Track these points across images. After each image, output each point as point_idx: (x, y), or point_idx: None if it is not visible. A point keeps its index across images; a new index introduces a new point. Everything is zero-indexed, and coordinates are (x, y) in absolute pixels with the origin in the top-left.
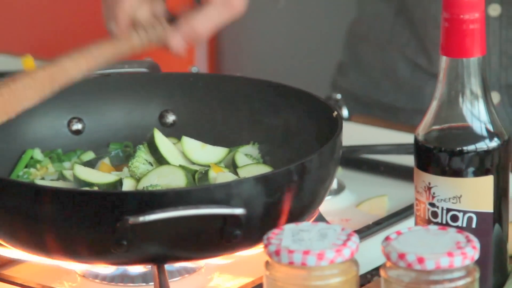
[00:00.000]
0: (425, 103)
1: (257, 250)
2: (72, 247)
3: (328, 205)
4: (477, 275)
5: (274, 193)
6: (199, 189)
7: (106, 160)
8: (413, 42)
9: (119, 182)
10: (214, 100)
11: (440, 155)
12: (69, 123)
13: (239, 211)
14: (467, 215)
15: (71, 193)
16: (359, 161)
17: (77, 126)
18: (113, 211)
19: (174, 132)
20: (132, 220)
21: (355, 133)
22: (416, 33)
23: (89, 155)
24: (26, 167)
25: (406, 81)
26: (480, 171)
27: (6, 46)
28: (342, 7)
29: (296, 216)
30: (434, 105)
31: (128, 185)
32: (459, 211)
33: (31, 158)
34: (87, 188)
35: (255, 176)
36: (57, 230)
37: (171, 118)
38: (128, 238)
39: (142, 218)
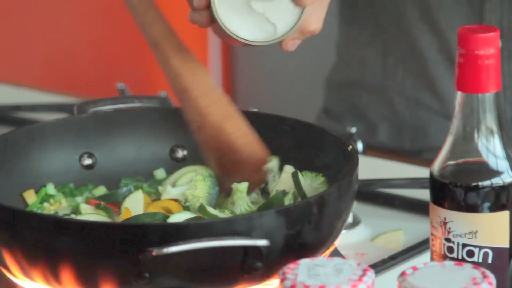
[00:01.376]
0: (431, 142)
1: (273, 285)
2: (93, 280)
3: (343, 239)
4: None
5: (295, 226)
6: (220, 221)
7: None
8: (410, 80)
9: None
10: None
11: (455, 190)
12: (81, 158)
13: (262, 242)
14: (483, 250)
15: (93, 225)
16: (374, 194)
17: (89, 161)
18: (135, 243)
19: (185, 166)
20: (156, 252)
21: (369, 167)
22: (413, 71)
23: (101, 190)
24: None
25: (408, 121)
26: (496, 207)
27: (20, 78)
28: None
29: (313, 249)
30: (449, 140)
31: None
32: (475, 246)
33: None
34: (108, 220)
35: (276, 208)
36: (78, 263)
37: (181, 152)
38: (150, 270)
39: (166, 250)
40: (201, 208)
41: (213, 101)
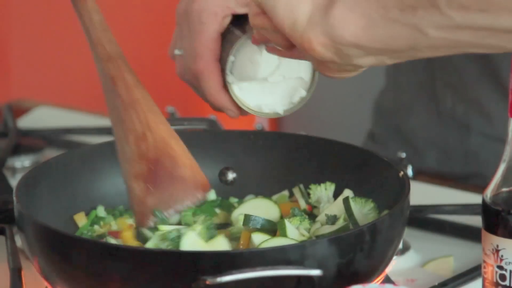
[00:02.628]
0: (481, 167)
1: None
2: None
3: (393, 265)
4: None
5: (347, 254)
6: (273, 250)
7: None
8: (460, 105)
9: None
10: (275, 158)
11: (508, 218)
12: None
13: (316, 272)
14: None
15: (146, 252)
16: (424, 220)
17: None
18: (188, 270)
19: (234, 189)
20: (209, 280)
21: (419, 193)
22: (462, 95)
23: None
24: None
25: (457, 146)
26: None
27: (71, 101)
28: None
29: (365, 277)
30: (502, 167)
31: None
32: None
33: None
34: (161, 247)
35: (329, 237)
36: None
37: (231, 175)
38: None
39: (220, 279)
40: (281, 225)
41: (161, 120)
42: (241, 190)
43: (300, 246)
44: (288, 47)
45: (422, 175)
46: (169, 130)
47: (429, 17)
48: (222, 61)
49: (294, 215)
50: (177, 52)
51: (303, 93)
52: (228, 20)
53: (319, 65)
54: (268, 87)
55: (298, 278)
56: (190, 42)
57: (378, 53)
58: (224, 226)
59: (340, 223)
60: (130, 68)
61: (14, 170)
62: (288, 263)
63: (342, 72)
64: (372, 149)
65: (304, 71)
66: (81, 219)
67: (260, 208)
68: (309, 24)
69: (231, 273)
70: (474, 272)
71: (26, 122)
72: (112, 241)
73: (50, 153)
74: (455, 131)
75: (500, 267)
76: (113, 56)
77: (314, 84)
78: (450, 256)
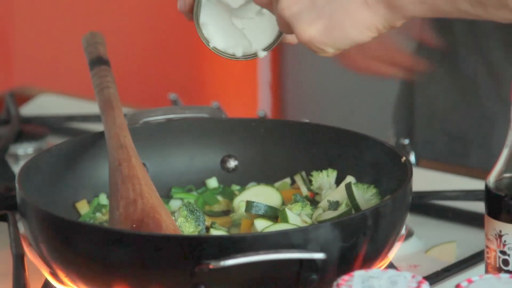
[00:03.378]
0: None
1: None
2: None
3: (396, 251)
4: None
5: (350, 238)
6: (276, 234)
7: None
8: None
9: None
10: (277, 145)
11: (511, 203)
12: None
13: (319, 255)
14: None
15: (150, 237)
16: (427, 206)
17: None
18: (192, 255)
19: (236, 176)
20: (213, 264)
21: (422, 179)
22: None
23: None
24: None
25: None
26: None
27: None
28: None
29: (368, 261)
30: (505, 153)
31: None
32: None
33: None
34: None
35: (332, 221)
36: (132, 274)
37: (233, 163)
38: (206, 282)
39: (223, 263)
40: (282, 214)
41: (155, 194)
42: (243, 178)
43: (303, 230)
44: None
45: (426, 161)
46: (161, 202)
47: (500, 14)
48: None
49: (296, 201)
50: None
51: (255, 49)
52: None
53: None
54: (230, 28)
55: (301, 261)
56: None
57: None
58: (225, 213)
59: (342, 208)
60: (137, 154)
61: (16, 157)
62: (291, 247)
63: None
64: (391, 136)
65: (268, 32)
66: (83, 207)
67: (262, 195)
68: (388, 20)
69: (234, 257)
70: (477, 257)
71: (29, 109)
72: None
73: (53, 140)
74: (475, 98)
75: (503, 252)
76: (124, 145)
77: (271, 47)
78: (453, 242)
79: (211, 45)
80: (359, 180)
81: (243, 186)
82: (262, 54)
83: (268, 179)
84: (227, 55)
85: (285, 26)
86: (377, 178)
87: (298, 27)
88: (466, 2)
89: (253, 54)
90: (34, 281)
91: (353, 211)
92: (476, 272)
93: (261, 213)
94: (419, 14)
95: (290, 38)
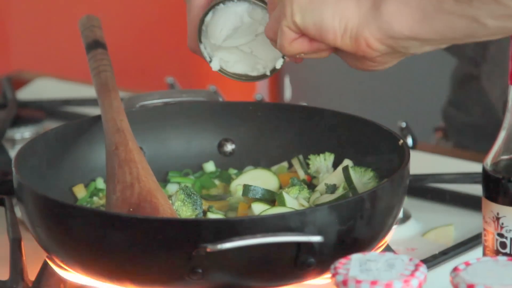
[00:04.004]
0: None
1: (325, 280)
2: (145, 275)
3: (394, 234)
4: None
5: (347, 221)
6: (274, 217)
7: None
8: None
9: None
10: (274, 129)
11: (509, 185)
12: None
13: (316, 238)
14: None
15: (147, 220)
16: (424, 189)
17: None
18: (189, 238)
19: (233, 160)
20: (210, 247)
21: (420, 162)
22: None
23: None
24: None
25: None
26: None
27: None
28: None
29: (365, 244)
30: (502, 135)
31: None
32: None
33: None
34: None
35: (329, 204)
36: (130, 257)
37: (230, 147)
38: (203, 266)
39: (220, 246)
40: (279, 198)
41: (152, 178)
42: (240, 162)
43: (301, 213)
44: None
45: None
46: (158, 186)
47: (485, 8)
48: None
49: (293, 185)
50: None
51: (266, 72)
52: None
53: (362, 62)
54: (235, 53)
55: (299, 245)
56: None
57: (435, 43)
58: (223, 197)
59: (339, 191)
60: (134, 138)
61: (13, 142)
62: (289, 230)
63: (385, 64)
64: (451, 115)
65: (275, 56)
66: (80, 191)
67: (259, 179)
68: (361, 25)
69: (232, 240)
70: (474, 240)
71: (26, 93)
72: None
73: (50, 125)
74: None
75: (501, 235)
76: (121, 129)
77: (277, 70)
78: (451, 225)
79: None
80: (357, 163)
81: (240, 170)
82: (279, 64)
83: (266, 163)
84: (245, 78)
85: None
86: (375, 161)
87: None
88: (451, 0)
89: (273, 68)
90: (31, 265)
91: (350, 194)
92: (473, 255)
93: (258, 197)
94: (404, 22)
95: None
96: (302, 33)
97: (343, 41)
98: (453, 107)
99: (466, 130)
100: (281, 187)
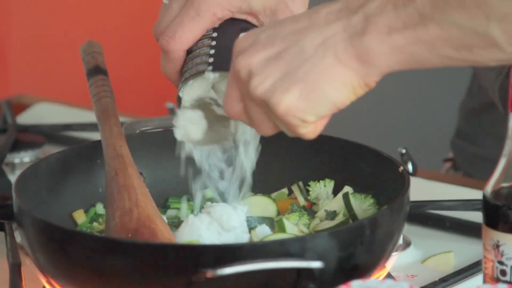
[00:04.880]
0: None
1: None
2: None
3: (394, 260)
4: None
5: (347, 247)
6: (274, 243)
7: None
8: None
9: None
10: (274, 155)
11: (509, 213)
12: None
13: (316, 264)
14: None
15: (147, 246)
16: (425, 216)
17: None
18: (189, 264)
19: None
20: (210, 273)
21: (420, 188)
22: None
23: None
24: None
25: None
26: None
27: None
28: None
29: (365, 271)
30: (502, 162)
31: None
32: None
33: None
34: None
35: (329, 230)
36: (129, 283)
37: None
38: None
39: (220, 272)
40: (279, 224)
41: (151, 203)
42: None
43: (301, 239)
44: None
45: (424, 171)
46: (157, 211)
47: (489, 54)
48: (186, 60)
49: (293, 211)
50: (164, 0)
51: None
52: (220, 21)
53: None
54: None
55: (299, 271)
56: (176, 20)
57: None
58: None
59: (339, 218)
60: (133, 163)
61: (13, 166)
62: (289, 256)
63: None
64: (460, 146)
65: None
66: (80, 216)
67: (258, 205)
68: (364, 75)
69: (231, 266)
70: (474, 267)
71: (26, 118)
72: None
73: (50, 149)
74: None
75: (501, 263)
76: (120, 154)
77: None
78: (451, 252)
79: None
80: (357, 190)
81: None
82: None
83: (265, 189)
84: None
85: (263, 122)
86: (375, 188)
87: (274, 98)
88: (448, 47)
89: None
90: None
91: (350, 221)
92: (473, 283)
93: (253, 226)
94: (396, 66)
95: None
96: (322, 119)
97: (357, 95)
98: (461, 139)
99: (475, 160)
100: (279, 214)
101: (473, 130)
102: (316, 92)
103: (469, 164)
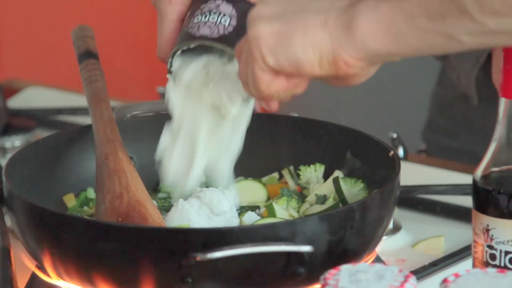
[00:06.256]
0: None
1: None
2: (135, 284)
3: (384, 245)
4: None
5: (337, 231)
6: (264, 226)
7: None
8: None
9: None
10: (265, 140)
11: (499, 197)
12: None
13: (306, 248)
14: None
15: (137, 230)
16: (415, 201)
17: None
18: (179, 247)
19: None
20: (200, 257)
21: (410, 173)
22: None
23: None
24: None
25: None
26: None
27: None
28: None
29: (355, 255)
30: (492, 147)
31: None
32: None
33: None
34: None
35: (319, 214)
36: (120, 266)
37: None
38: (193, 275)
39: (210, 255)
40: (269, 208)
41: (141, 188)
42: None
43: (291, 223)
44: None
45: (414, 156)
46: (147, 196)
47: (461, 25)
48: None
49: (282, 195)
50: None
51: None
52: None
53: (345, 80)
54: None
55: (289, 254)
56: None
57: (413, 56)
58: None
59: (329, 202)
60: (124, 148)
61: (4, 150)
62: (279, 240)
63: (369, 73)
64: (433, 138)
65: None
66: (70, 200)
67: (248, 190)
68: (336, 48)
69: (221, 250)
70: (464, 252)
71: (17, 102)
72: None
73: (40, 133)
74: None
75: (490, 247)
76: (111, 139)
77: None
78: (441, 236)
79: None
80: (347, 174)
81: None
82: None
83: (256, 174)
84: None
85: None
86: (365, 172)
87: (254, 23)
88: (424, 16)
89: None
90: (21, 274)
91: (340, 205)
92: (463, 267)
93: (244, 211)
94: (372, 43)
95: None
96: (277, 73)
97: (322, 68)
98: (433, 130)
99: (450, 152)
100: (269, 199)
101: (446, 122)
102: (287, 38)
103: (443, 156)
